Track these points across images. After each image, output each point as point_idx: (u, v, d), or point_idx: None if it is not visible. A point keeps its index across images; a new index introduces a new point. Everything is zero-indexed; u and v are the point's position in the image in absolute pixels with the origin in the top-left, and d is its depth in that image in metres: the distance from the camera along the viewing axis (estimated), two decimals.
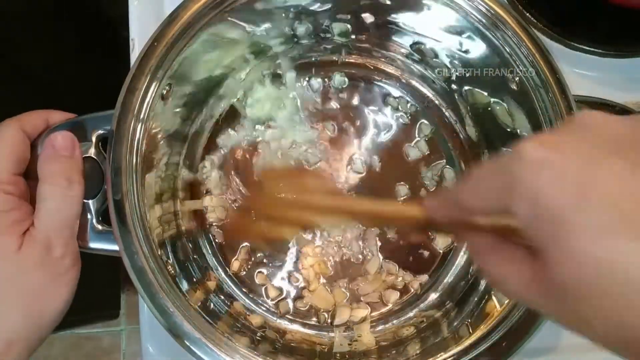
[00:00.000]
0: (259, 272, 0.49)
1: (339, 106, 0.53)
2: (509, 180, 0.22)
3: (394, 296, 0.49)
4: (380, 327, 0.48)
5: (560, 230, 0.20)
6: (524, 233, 0.22)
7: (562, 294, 0.21)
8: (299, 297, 0.49)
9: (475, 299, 0.45)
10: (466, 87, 0.50)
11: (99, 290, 0.97)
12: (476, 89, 0.49)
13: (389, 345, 0.46)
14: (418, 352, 0.42)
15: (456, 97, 0.51)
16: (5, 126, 0.37)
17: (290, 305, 0.49)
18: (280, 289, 0.49)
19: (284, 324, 0.48)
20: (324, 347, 0.46)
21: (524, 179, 0.21)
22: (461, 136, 0.53)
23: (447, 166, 0.52)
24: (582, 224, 0.19)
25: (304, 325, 0.48)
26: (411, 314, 0.49)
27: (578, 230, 0.19)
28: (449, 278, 0.50)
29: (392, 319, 0.49)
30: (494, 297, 0.42)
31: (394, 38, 0.50)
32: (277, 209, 0.38)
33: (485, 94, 0.48)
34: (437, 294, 0.49)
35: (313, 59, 0.53)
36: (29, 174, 0.38)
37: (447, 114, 0.53)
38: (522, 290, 0.24)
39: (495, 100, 0.47)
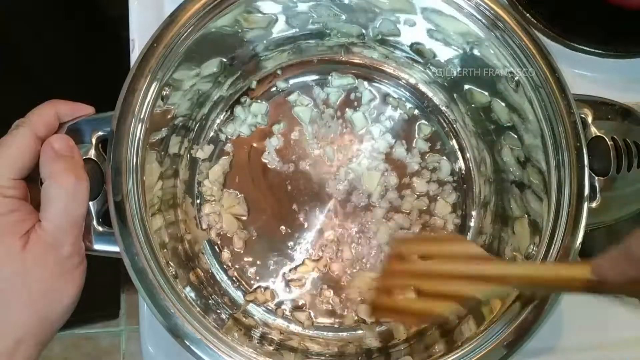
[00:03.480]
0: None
1: (338, 106, 0.53)
2: None
3: None
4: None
5: None
6: None
7: None
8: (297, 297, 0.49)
9: None
10: (466, 87, 0.50)
11: (99, 290, 0.97)
12: (476, 89, 0.49)
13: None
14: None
15: (455, 96, 0.51)
16: (18, 133, 0.37)
17: (288, 306, 0.49)
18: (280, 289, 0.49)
19: (284, 323, 0.48)
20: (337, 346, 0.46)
21: None
22: (460, 136, 0.53)
23: (444, 158, 0.52)
24: None
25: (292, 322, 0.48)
26: None
27: None
28: None
29: None
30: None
31: (394, 38, 0.50)
32: (426, 282, 0.35)
33: (486, 93, 0.48)
34: None
35: (313, 59, 0.53)
36: (28, 176, 0.38)
37: (446, 113, 0.53)
38: None
39: (495, 99, 0.47)
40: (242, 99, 0.53)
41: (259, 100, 0.53)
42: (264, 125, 0.52)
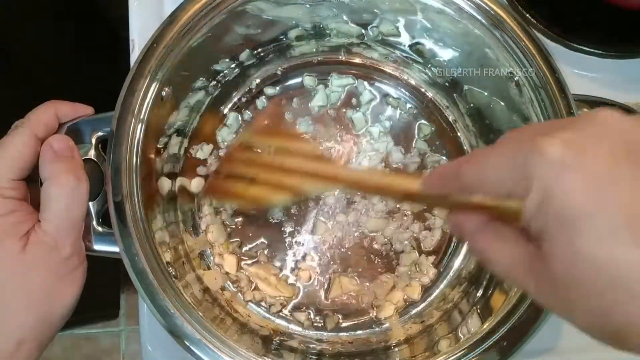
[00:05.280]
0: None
1: (338, 106, 0.53)
2: (524, 173, 0.22)
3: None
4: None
5: (568, 231, 0.21)
6: (524, 219, 0.23)
7: (556, 284, 0.22)
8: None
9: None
10: (466, 87, 0.50)
11: (99, 291, 0.97)
12: (476, 89, 0.49)
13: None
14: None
15: (455, 96, 0.51)
16: (18, 134, 0.37)
17: (288, 307, 0.49)
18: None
19: (283, 323, 0.48)
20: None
21: (543, 177, 0.21)
22: (460, 136, 0.53)
23: (444, 158, 0.52)
24: (591, 229, 0.20)
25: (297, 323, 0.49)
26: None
27: (587, 234, 0.20)
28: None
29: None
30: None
31: (394, 39, 0.50)
32: (269, 172, 0.37)
33: (486, 93, 0.48)
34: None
35: (313, 59, 0.53)
36: (28, 177, 0.38)
37: (446, 113, 0.53)
38: (512, 270, 0.25)
39: (495, 99, 0.47)
40: (239, 104, 0.53)
41: (248, 110, 0.53)
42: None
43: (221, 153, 0.51)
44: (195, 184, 0.50)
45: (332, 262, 0.50)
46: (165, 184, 0.46)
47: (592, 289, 0.21)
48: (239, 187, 0.39)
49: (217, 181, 0.42)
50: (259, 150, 0.40)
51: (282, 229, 0.50)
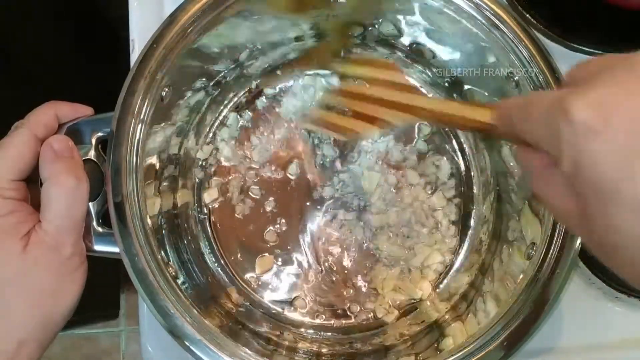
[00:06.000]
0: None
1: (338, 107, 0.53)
2: (554, 133, 0.21)
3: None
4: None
5: (602, 202, 0.20)
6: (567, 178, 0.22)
7: (601, 245, 0.22)
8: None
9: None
10: (466, 87, 0.50)
11: (99, 291, 0.97)
12: (476, 89, 0.49)
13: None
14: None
15: (455, 96, 0.51)
16: (18, 134, 0.37)
17: (288, 307, 0.49)
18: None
19: (283, 323, 0.48)
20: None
21: (571, 145, 0.20)
22: (460, 136, 0.53)
23: (444, 158, 0.52)
24: (622, 203, 0.19)
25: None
26: None
27: (619, 208, 0.20)
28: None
29: None
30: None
31: (394, 39, 0.50)
32: (356, 102, 0.39)
33: (486, 93, 0.48)
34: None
35: (314, 60, 0.53)
36: (28, 177, 0.38)
37: None
38: (567, 220, 0.24)
39: (495, 99, 0.47)
40: (239, 104, 0.53)
41: (247, 111, 0.53)
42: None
43: (220, 157, 0.51)
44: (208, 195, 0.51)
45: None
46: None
47: (633, 259, 0.20)
48: (332, 117, 0.41)
49: (315, 111, 0.45)
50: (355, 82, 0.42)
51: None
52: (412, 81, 0.53)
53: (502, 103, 0.28)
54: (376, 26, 0.49)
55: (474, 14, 0.43)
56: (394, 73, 0.39)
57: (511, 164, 0.47)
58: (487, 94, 0.48)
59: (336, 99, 0.42)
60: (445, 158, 0.52)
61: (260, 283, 0.50)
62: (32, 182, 0.38)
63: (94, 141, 0.40)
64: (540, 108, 0.23)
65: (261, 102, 0.53)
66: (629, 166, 0.19)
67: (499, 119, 0.28)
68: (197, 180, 0.51)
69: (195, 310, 0.38)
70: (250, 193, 0.51)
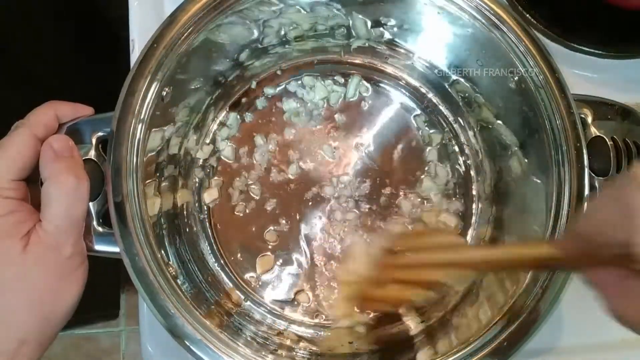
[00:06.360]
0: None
1: (339, 107, 0.53)
2: (625, 211, 0.20)
3: None
4: None
5: None
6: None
7: None
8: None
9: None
10: (466, 87, 0.50)
11: (99, 291, 0.97)
12: (476, 89, 0.49)
13: None
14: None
15: (454, 96, 0.52)
16: (18, 134, 0.37)
17: (288, 306, 0.49)
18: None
19: (282, 323, 0.48)
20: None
21: None
22: (460, 136, 0.53)
23: (445, 158, 0.52)
24: None
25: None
26: None
27: None
28: None
29: None
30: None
31: (394, 39, 0.50)
32: (403, 272, 0.37)
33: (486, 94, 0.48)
34: None
35: (313, 59, 0.53)
36: (28, 177, 0.38)
37: (446, 114, 0.53)
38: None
39: (495, 99, 0.47)
40: (239, 104, 0.53)
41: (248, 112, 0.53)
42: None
43: (220, 157, 0.51)
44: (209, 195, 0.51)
45: None
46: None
47: None
48: (379, 291, 0.39)
49: (359, 287, 0.41)
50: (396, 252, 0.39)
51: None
52: (413, 81, 0.53)
53: (565, 233, 0.27)
54: (376, 26, 0.49)
55: (474, 13, 0.43)
56: (442, 235, 0.38)
57: (512, 169, 0.47)
58: (487, 94, 0.48)
59: (383, 273, 0.39)
60: (445, 158, 0.52)
61: (260, 283, 0.50)
62: (32, 182, 0.38)
63: (94, 141, 0.40)
64: (609, 198, 0.22)
65: (261, 102, 0.53)
66: None
67: (565, 245, 0.27)
68: (197, 180, 0.51)
69: (195, 310, 0.38)
70: (250, 193, 0.51)
